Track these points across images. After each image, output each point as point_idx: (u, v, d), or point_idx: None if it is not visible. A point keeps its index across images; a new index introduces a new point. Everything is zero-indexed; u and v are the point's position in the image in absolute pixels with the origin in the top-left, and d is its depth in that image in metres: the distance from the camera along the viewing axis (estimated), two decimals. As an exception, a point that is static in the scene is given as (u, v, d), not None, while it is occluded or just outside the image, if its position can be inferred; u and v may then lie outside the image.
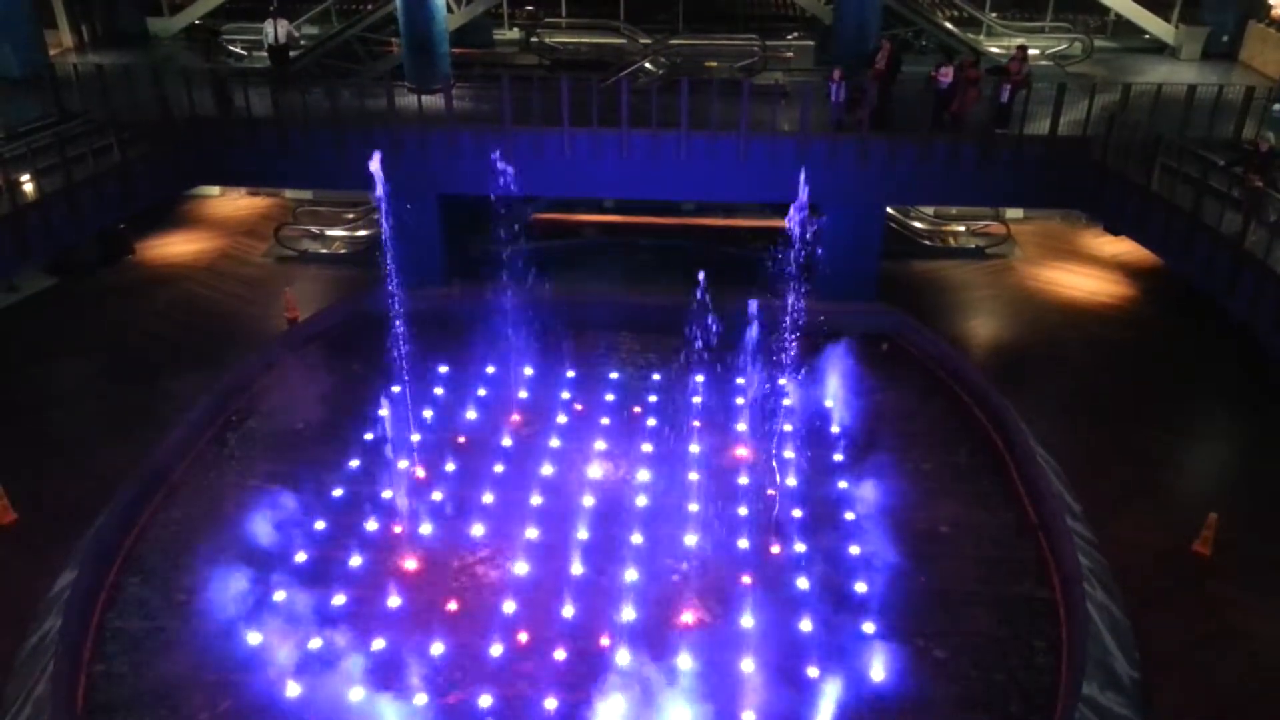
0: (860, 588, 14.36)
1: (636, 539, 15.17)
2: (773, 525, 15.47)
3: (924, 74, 20.89)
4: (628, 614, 13.80)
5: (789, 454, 17.17)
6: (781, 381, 18.91)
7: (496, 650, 13.33)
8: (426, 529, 15.51)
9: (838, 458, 17.16)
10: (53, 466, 16.62)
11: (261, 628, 13.53)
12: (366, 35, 25.85)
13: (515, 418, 18.25)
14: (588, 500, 16.09)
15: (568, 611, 13.91)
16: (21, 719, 12.00)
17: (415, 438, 17.39)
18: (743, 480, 16.59)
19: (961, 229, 25.67)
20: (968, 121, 20.54)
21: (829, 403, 18.36)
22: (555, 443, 17.50)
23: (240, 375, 19.15)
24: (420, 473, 16.85)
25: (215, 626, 13.56)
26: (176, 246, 25.08)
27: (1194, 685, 13.04)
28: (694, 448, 17.12)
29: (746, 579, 14.51)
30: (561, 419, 18.20)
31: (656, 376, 19.29)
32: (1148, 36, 27.63)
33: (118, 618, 14.03)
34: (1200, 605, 14.24)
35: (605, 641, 13.43)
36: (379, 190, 15.92)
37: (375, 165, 15.43)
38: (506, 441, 17.56)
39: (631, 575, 14.43)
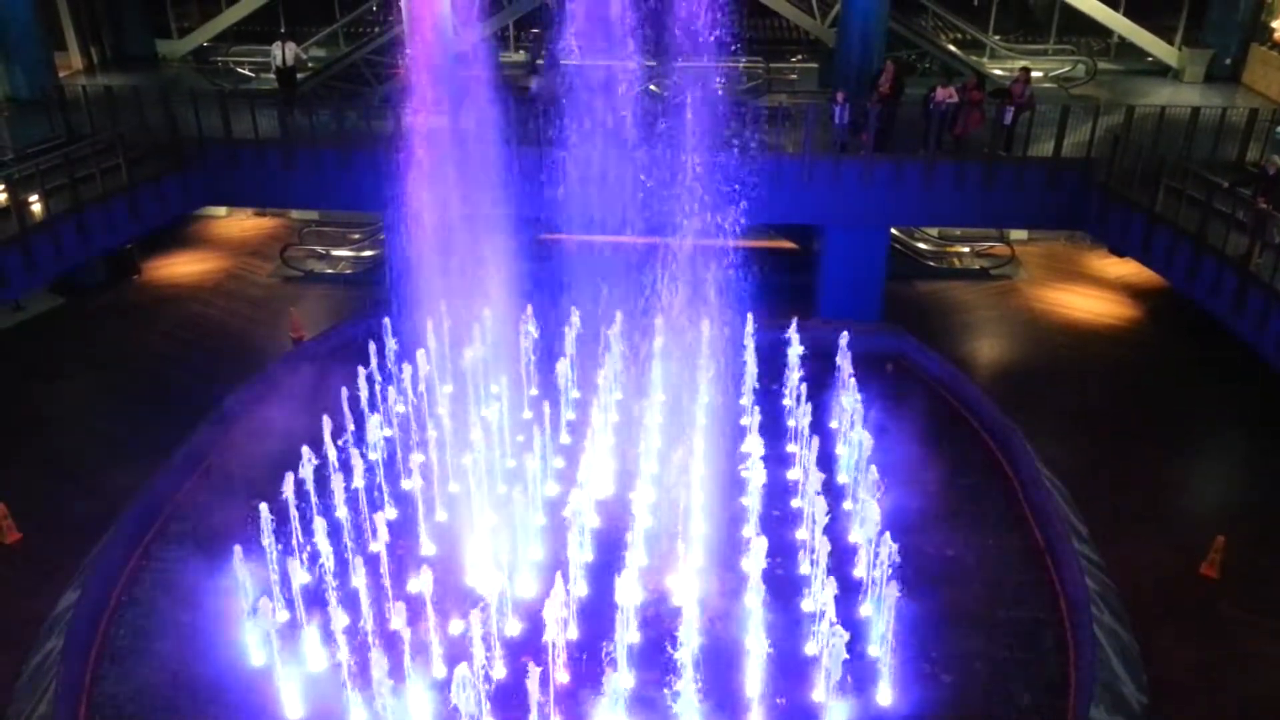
0: (866, 610, 14.27)
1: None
2: (777, 546, 15.39)
3: (927, 95, 21.01)
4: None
5: (793, 475, 17.14)
6: (785, 403, 18.98)
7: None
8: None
9: (842, 479, 17.11)
10: (57, 486, 16.63)
11: (265, 650, 13.46)
12: (373, 58, 26.06)
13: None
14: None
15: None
16: (23, 740, 11.97)
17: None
18: (746, 501, 16.52)
19: (966, 250, 25.72)
20: (971, 143, 20.63)
21: (833, 424, 18.33)
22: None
23: (245, 396, 19.13)
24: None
25: (219, 648, 13.48)
26: (182, 267, 25.19)
27: (1203, 709, 12.94)
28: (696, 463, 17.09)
29: (749, 601, 14.41)
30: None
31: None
32: (1151, 59, 27.78)
33: (120, 638, 13.96)
34: (1208, 628, 14.15)
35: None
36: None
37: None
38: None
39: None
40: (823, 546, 13.79)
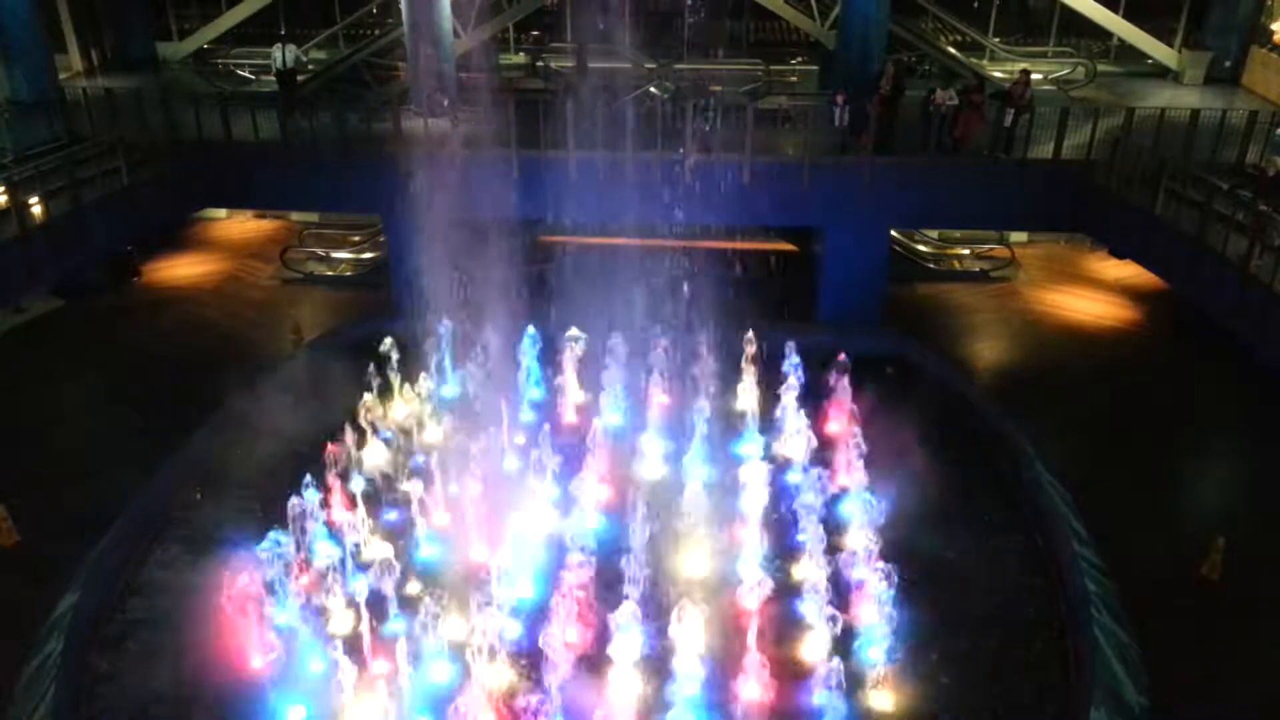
0: (865, 614, 14.25)
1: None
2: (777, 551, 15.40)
3: (926, 97, 21.02)
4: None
5: (794, 478, 17.13)
6: (786, 403, 18.98)
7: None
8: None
9: (843, 482, 17.09)
10: (57, 488, 16.60)
11: (266, 652, 13.45)
12: (373, 60, 26.09)
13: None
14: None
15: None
16: (23, 743, 11.96)
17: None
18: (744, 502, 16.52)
19: (965, 252, 25.72)
20: (971, 145, 20.64)
21: (834, 427, 18.33)
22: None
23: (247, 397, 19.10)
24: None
25: (219, 651, 13.45)
26: (183, 269, 25.20)
27: (1204, 712, 12.92)
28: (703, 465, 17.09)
29: (748, 605, 14.40)
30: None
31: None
32: (1151, 61, 27.78)
33: (120, 641, 13.96)
34: (1209, 630, 14.14)
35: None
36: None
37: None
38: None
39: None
40: (821, 549, 13.79)
